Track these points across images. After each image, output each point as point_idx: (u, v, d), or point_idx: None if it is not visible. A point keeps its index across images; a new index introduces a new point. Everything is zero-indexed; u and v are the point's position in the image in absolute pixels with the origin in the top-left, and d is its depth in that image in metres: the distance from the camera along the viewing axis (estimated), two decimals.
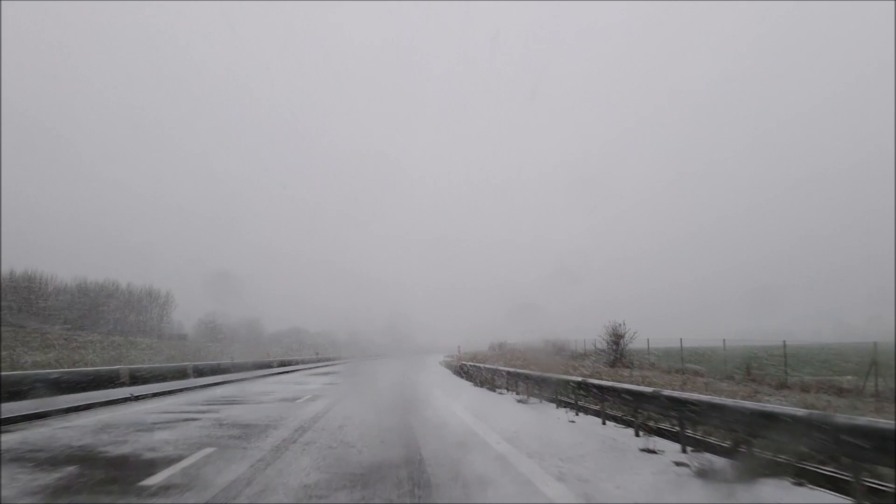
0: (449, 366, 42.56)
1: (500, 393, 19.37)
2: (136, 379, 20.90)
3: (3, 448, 8.70)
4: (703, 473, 6.46)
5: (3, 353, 27.43)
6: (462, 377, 27.88)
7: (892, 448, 4.71)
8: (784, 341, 19.68)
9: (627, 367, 27.31)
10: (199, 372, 27.34)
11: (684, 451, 7.97)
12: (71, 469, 7.01)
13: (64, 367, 24.46)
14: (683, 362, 24.27)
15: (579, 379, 13.10)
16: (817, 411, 6.63)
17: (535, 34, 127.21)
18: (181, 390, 19.73)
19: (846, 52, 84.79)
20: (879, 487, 5.47)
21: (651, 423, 9.63)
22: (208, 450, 8.30)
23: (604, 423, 11.06)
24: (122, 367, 23.73)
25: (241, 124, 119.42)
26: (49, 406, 12.93)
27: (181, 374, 25.57)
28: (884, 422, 5.10)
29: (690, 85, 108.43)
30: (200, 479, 6.37)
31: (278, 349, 77.90)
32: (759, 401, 9.86)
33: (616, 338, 28.72)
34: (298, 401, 16.42)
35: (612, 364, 27.83)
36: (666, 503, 5.77)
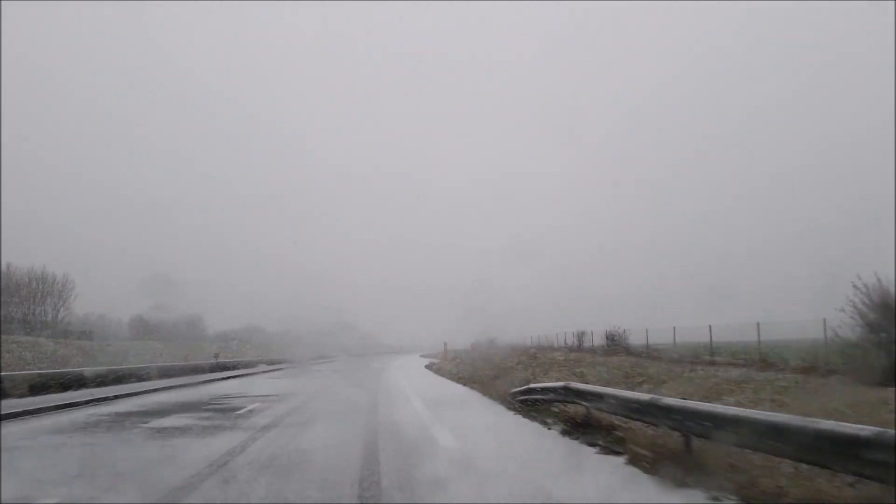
0: (452, 376, 24.71)
1: None
2: None
3: None
4: None
5: None
6: (545, 425, 9.51)
7: None
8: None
9: None
10: None
11: None
12: None
13: None
14: None
15: None
16: None
17: (509, 30, 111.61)
18: None
19: (817, 49, 74.30)
20: None
21: None
22: None
23: None
24: None
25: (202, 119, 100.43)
26: None
27: None
28: None
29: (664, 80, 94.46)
30: None
31: (216, 349, 59.98)
32: None
33: None
34: None
35: None
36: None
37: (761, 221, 59.40)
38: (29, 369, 23.95)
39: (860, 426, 3.85)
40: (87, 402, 14.09)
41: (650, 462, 5.83)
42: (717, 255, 49.51)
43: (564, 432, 8.18)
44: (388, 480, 5.48)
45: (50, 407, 12.83)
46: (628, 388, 10.27)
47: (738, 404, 7.35)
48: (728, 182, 72.22)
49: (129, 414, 12.23)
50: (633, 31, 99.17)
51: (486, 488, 5.28)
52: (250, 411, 12.24)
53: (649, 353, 26.11)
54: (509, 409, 11.19)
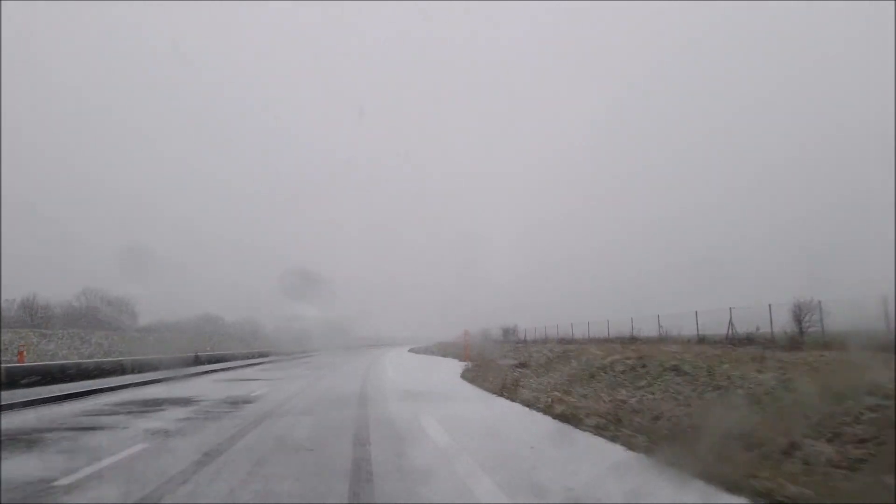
0: None
1: None
2: None
3: None
4: None
5: None
6: None
7: None
8: None
9: None
10: None
11: None
12: None
13: None
14: None
15: None
16: None
17: (500, 23, 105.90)
18: None
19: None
20: None
21: None
22: None
23: None
24: None
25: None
26: None
27: None
28: None
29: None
30: None
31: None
32: None
33: None
34: None
35: None
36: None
37: (755, 213, 56.66)
38: None
39: None
40: None
41: None
42: (708, 245, 46.30)
43: None
44: None
45: None
46: None
47: None
48: (723, 176, 68.19)
49: None
50: (633, 21, 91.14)
51: None
52: None
53: None
54: None
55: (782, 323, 18.01)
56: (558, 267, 59.74)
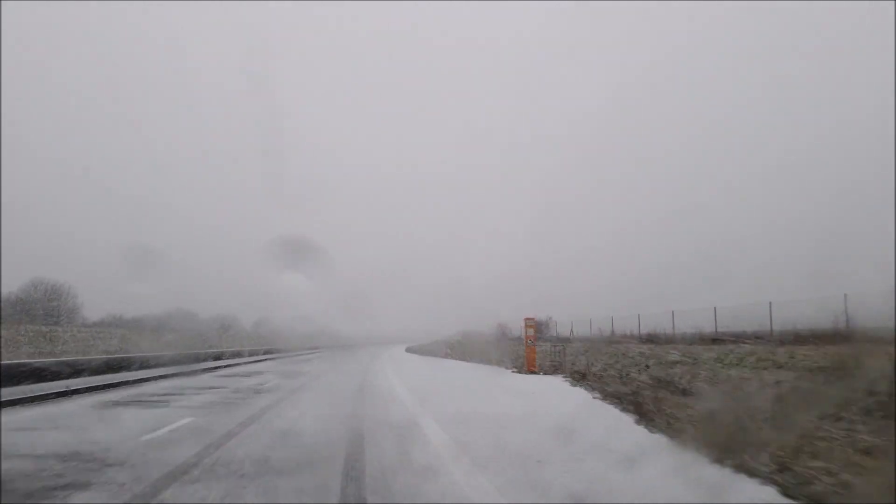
0: None
1: None
2: None
3: None
4: None
5: None
6: None
7: None
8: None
9: None
10: None
11: None
12: None
13: None
14: None
15: None
16: None
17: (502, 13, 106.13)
18: None
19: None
20: None
21: None
22: None
23: None
24: None
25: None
26: None
27: None
28: None
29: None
30: None
31: None
32: None
33: None
34: None
35: None
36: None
37: (753, 210, 53.02)
38: None
39: None
40: None
41: None
42: (708, 243, 40.98)
43: None
44: None
45: None
46: None
47: None
48: (720, 172, 63.59)
49: None
50: (637, 15, 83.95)
51: None
52: None
53: None
54: None
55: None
56: (560, 264, 56.60)
